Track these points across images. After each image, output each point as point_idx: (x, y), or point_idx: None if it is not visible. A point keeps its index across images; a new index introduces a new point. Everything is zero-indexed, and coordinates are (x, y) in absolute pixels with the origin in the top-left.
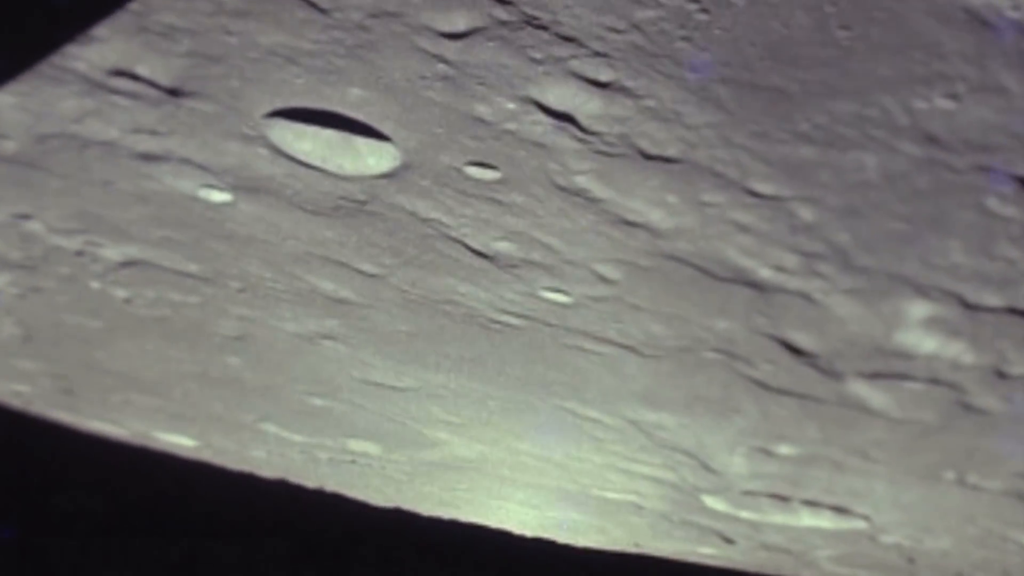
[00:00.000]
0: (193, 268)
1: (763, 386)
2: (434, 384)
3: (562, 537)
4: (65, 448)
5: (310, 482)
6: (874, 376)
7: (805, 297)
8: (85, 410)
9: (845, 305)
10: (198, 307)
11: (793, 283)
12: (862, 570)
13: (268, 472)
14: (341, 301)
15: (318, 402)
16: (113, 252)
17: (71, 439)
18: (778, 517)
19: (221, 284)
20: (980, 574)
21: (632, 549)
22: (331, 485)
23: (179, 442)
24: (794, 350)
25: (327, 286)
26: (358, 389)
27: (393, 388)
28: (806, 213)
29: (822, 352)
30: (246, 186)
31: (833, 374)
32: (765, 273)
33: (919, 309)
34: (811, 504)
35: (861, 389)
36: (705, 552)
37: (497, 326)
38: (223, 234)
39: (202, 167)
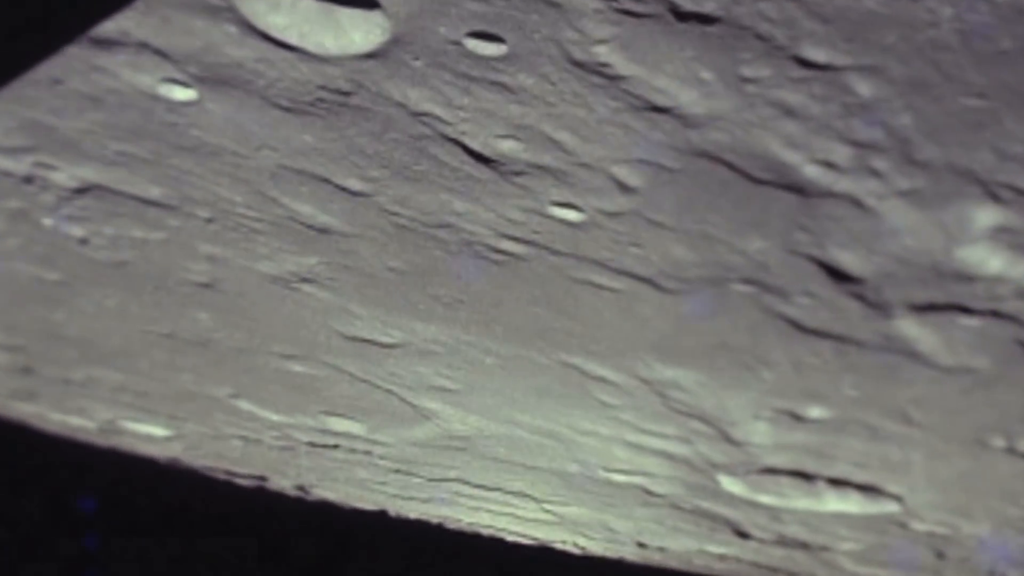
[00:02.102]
0: (155, 193)
1: (797, 327)
2: (425, 338)
3: (558, 540)
4: (29, 452)
5: (289, 481)
6: (926, 309)
7: (855, 203)
8: (46, 395)
9: (901, 212)
10: (162, 246)
11: (842, 184)
12: (884, 569)
13: (244, 469)
14: (322, 230)
15: (297, 368)
16: (66, 176)
17: (35, 441)
18: (800, 501)
19: (187, 213)
20: (1015, 572)
21: (633, 555)
22: (312, 480)
23: (149, 432)
24: (837, 275)
25: (306, 210)
26: (340, 348)
27: (379, 345)
28: (864, 87)
29: (869, 276)
30: (212, 77)
31: (879, 307)
32: (811, 172)
33: (987, 216)
34: (838, 484)
35: (909, 327)
36: (714, 551)
37: (498, 256)
38: (188, 145)
39: (162, 53)
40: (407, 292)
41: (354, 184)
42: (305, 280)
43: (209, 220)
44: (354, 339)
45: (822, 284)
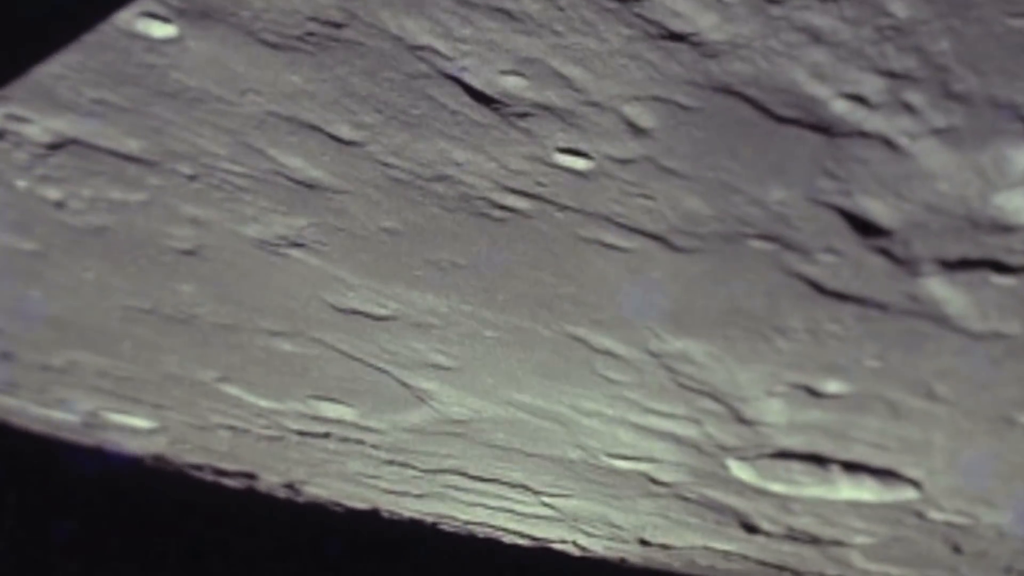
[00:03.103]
0: (134, 147)
1: (817, 288)
2: (421, 308)
3: (557, 539)
4: (11, 456)
5: (278, 477)
6: (957, 266)
7: (886, 143)
8: (26, 385)
9: (935, 153)
10: (143, 209)
11: (872, 122)
12: (897, 567)
13: (232, 465)
14: (312, 186)
15: (285, 347)
16: (39, 130)
17: (17, 443)
18: (813, 489)
19: (168, 170)
20: None
21: (635, 554)
22: (302, 476)
23: (133, 424)
24: (863, 227)
25: (294, 163)
26: (331, 322)
27: (372, 318)
28: (900, 7)
29: (898, 227)
30: (194, 9)
31: (906, 264)
32: (839, 107)
33: None
34: (854, 469)
35: (938, 287)
36: (719, 548)
37: (499, 213)
38: (168, 91)
39: None
40: (402, 256)
41: (346, 132)
42: (294, 244)
43: (192, 177)
44: (346, 311)
45: (846, 238)
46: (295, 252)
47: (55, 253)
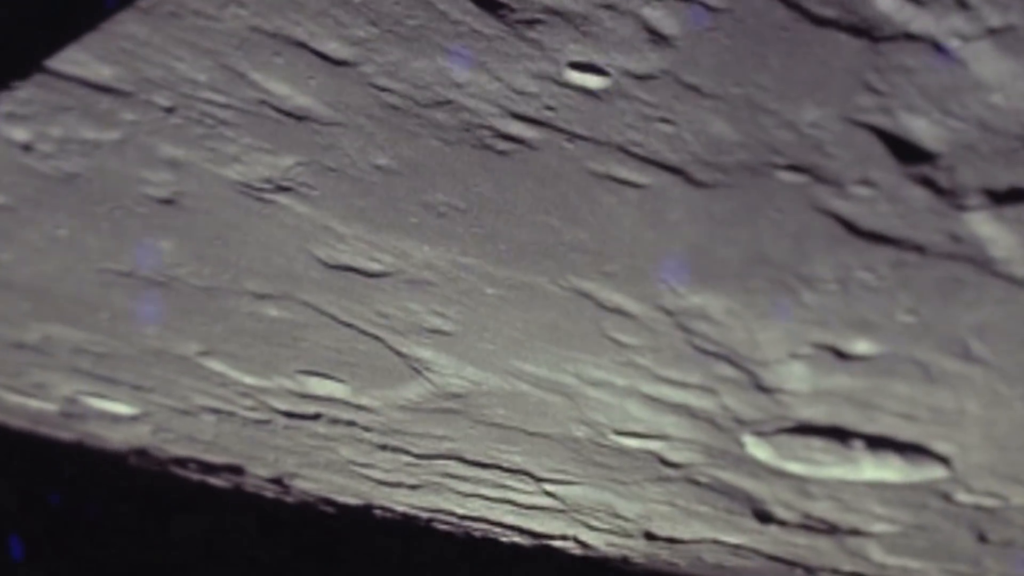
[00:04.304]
0: (107, 74)
1: (850, 229)
2: (417, 262)
3: (558, 534)
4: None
5: (266, 470)
6: (1007, 197)
7: (935, 47)
8: (2, 368)
9: (990, 59)
10: (117, 151)
11: (921, 22)
12: (916, 560)
13: (218, 457)
14: (300, 117)
15: (272, 312)
16: None
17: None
18: (833, 470)
19: (144, 102)
20: None
21: (639, 552)
22: (291, 467)
23: (114, 410)
24: (904, 151)
25: (280, 90)
26: (321, 282)
27: (365, 274)
28: None
29: (944, 150)
30: None
31: (950, 195)
32: (884, 3)
33: None
34: (879, 444)
35: (983, 224)
36: (728, 541)
37: (503, 145)
38: (143, 4)
39: None
40: (397, 200)
41: (337, 50)
42: (281, 189)
43: (169, 110)
44: (336, 267)
45: (885, 166)
46: (281, 198)
47: (25, 207)
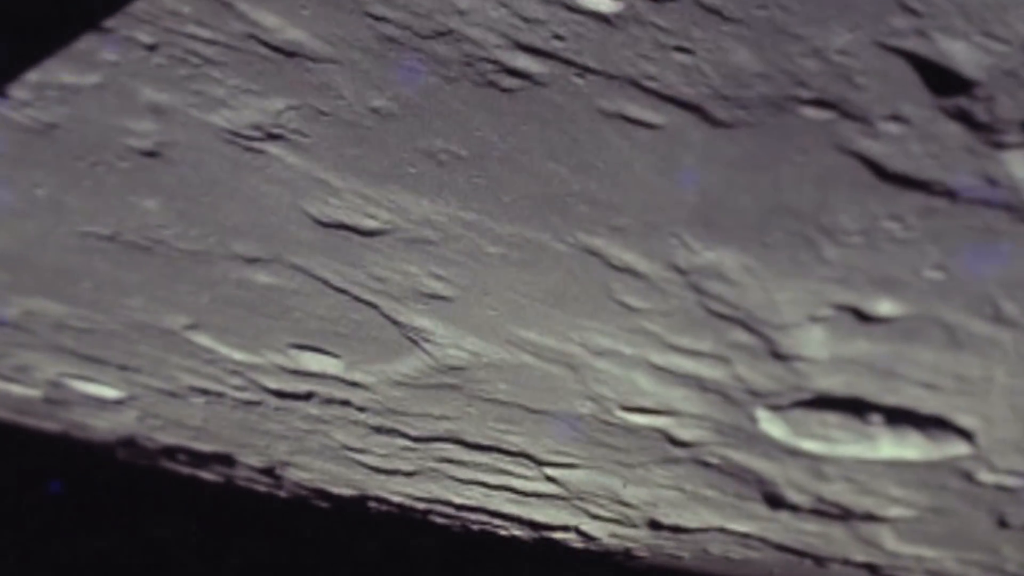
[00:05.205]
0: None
1: (878, 172)
2: (415, 218)
3: (560, 525)
4: None
5: (258, 458)
6: None
7: None
8: None
9: None
10: (97, 96)
11: None
12: (932, 548)
13: (208, 445)
14: (291, 53)
15: (262, 278)
16: None
17: None
18: (850, 447)
19: (125, 39)
20: None
21: (642, 543)
22: (282, 454)
23: (100, 394)
24: (940, 80)
25: (270, 21)
26: (313, 242)
27: (360, 232)
28: None
29: (983, 78)
30: None
31: (988, 131)
32: None
33: None
34: (899, 419)
35: (1021, 164)
36: (736, 529)
37: (508, 81)
38: None
39: None
40: (394, 147)
41: None
42: (271, 137)
43: (152, 48)
44: (329, 225)
45: (918, 99)
46: (271, 147)
47: (2, 165)
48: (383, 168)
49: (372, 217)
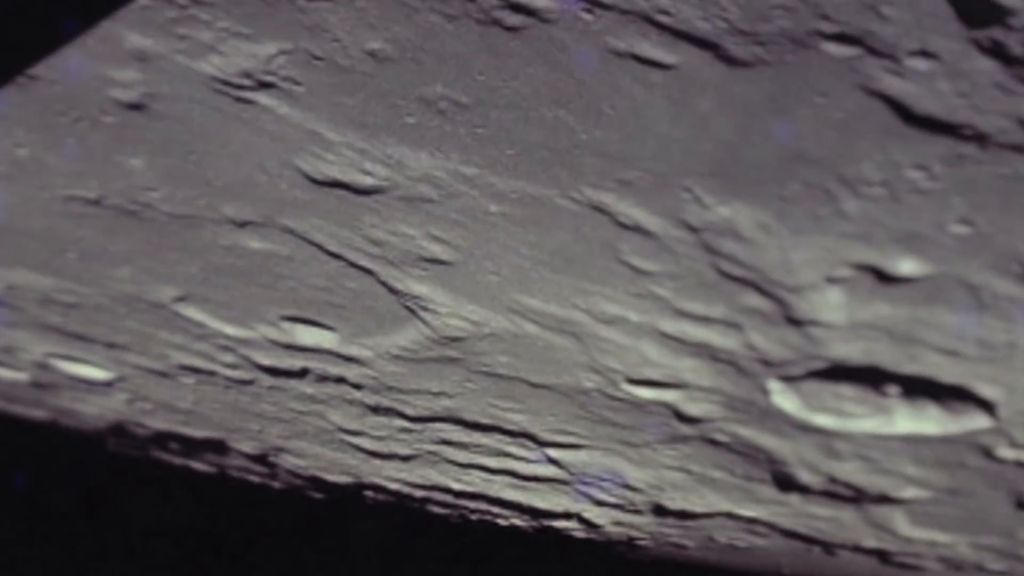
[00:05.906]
0: None
1: (903, 114)
2: (414, 173)
3: (562, 512)
4: None
5: (250, 443)
6: None
7: None
8: None
9: None
10: (78, 41)
11: None
12: (945, 533)
13: (199, 430)
14: None
15: (254, 244)
16: None
17: None
18: (865, 422)
19: None
20: None
21: (645, 531)
22: (276, 439)
23: (89, 375)
24: (974, 8)
25: None
26: (307, 203)
27: (355, 191)
28: None
29: (1021, 5)
30: None
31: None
32: None
33: None
34: (917, 388)
35: None
36: (743, 514)
37: (512, 19)
38: None
39: None
40: (392, 94)
41: None
42: (262, 86)
43: None
44: (324, 183)
45: (948, 31)
46: (262, 97)
47: None
48: (380, 118)
49: (368, 173)
